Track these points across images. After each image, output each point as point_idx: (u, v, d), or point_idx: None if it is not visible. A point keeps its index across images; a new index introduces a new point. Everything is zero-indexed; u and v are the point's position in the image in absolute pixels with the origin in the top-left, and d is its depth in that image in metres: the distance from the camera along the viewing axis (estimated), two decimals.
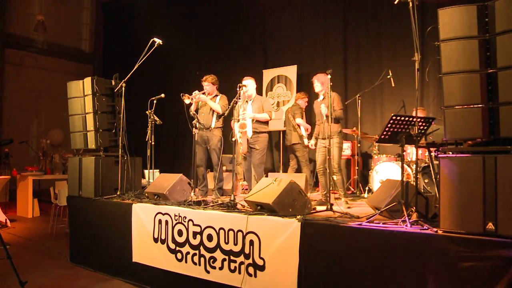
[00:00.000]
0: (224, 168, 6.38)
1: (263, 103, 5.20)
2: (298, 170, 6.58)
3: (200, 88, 5.40)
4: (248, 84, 5.16)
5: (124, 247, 4.39)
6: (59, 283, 4.33)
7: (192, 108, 5.28)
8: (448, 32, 2.69)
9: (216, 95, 5.41)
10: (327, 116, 4.40)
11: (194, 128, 5.09)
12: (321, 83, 4.86)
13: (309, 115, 7.00)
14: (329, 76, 4.08)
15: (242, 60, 8.97)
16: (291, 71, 8.05)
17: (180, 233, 3.95)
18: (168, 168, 7.82)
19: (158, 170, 6.38)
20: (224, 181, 5.61)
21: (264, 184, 3.79)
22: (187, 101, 5.10)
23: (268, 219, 3.37)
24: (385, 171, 5.74)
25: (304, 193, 3.68)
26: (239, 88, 4.52)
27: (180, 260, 3.92)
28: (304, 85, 7.63)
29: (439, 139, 3.55)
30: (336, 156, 4.72)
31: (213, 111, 5.29)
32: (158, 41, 4.86)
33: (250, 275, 3.41)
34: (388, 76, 5.67)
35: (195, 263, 3.80)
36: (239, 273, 3.48)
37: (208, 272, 3.70)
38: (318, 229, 3.11)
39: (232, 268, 3.53)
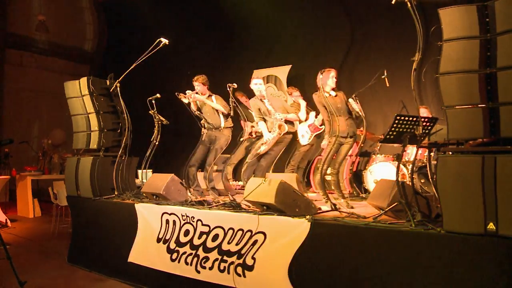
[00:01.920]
0: (215, 168, 6.34)
1: (283, 104, 5.14)
2: (301, 168, 6.47)
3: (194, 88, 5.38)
4: (260, 83, 5.12)
5: (123, 247, 4.37)
6: (57, 283, 4.31)
7: (193, 108, 5.26)
8: (451, 32, 2.68)
9: (210, 95, 5.36)
10: (351, 113, 4.49)
11: (203, 128, 5.08)
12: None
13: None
14: (321, 76, 4.06)
15: (235, 60, 8.91)
16: (282, 71, 8.02)
17: (187, 233, 3.93)
18: (162, 168, 7.77)
19: (151, 170, 6.35)
20: (214, 181, 5.56)
21: (255, 184, 3.73)
22: (185, 100, 5.09)
23: (279, 219, 3.36)
24: (380, 171, 5.66)
25: (301, 193, 3.66)
26: (229, 88, 4.52)
27: (173, 260, 3.90)
28: (295, 86, 7.59)
29: (441, 139, 3.54)
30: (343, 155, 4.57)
31: (216, 110, 5.26)
32: (164, 41, 4.70)
33: (239, 275, 3.40)
34: (383, 76, 5.62)
35: (187, 263, 3.78)
36: (228, 273, 3.47)
37: (198, 272, 3.68)
38: (327, 229, 3.14)
39: (222, 268, 3.53)
